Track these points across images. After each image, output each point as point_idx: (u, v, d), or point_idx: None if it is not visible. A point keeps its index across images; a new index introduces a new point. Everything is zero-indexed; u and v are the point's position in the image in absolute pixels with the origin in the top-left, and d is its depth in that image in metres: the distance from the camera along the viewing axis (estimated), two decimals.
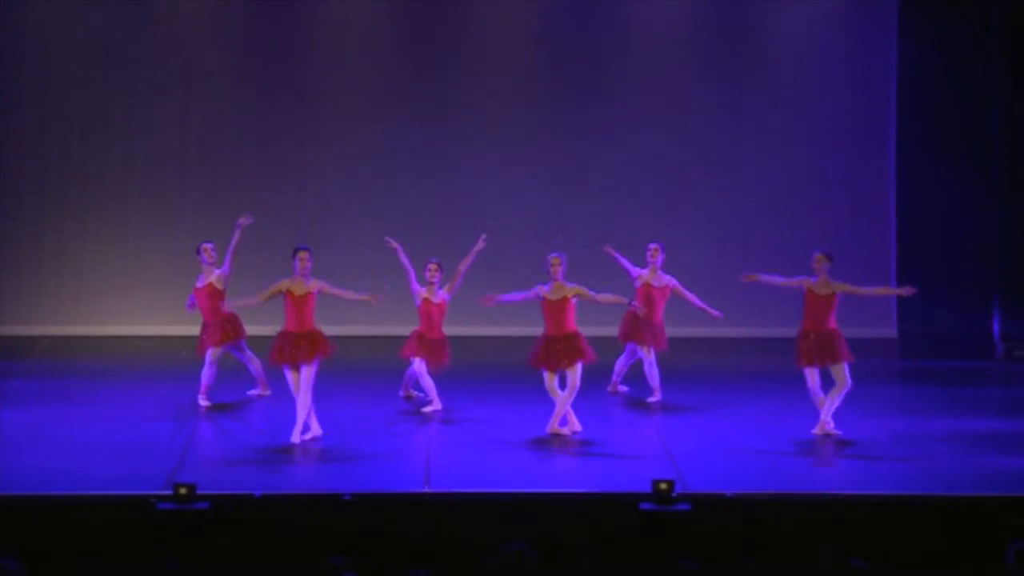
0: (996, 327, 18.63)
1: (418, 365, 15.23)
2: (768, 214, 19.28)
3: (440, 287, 15.30)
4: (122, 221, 19.18)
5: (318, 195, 19.25)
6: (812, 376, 14.28)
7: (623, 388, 16.00)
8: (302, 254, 14.06)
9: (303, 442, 13.83)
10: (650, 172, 19.36)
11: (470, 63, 19.37)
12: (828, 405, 14.22)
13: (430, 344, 15.24)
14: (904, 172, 19.44)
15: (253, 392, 15.64)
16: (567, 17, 19.28)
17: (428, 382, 15.17)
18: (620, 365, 15.96)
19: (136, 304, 19.01)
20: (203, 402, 15.24)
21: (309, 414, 13.94)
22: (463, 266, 15.32)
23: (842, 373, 14.19)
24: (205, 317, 15.34)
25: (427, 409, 15.14)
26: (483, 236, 15.31)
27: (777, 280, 14.42)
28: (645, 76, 19.37)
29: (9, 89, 18.91)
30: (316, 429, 14.02)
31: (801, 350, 14.25)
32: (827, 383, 14.32)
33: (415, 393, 15.58)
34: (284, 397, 14.33)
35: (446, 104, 19.28)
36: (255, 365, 15.51)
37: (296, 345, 13.92)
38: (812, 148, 19.47)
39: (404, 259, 15.35)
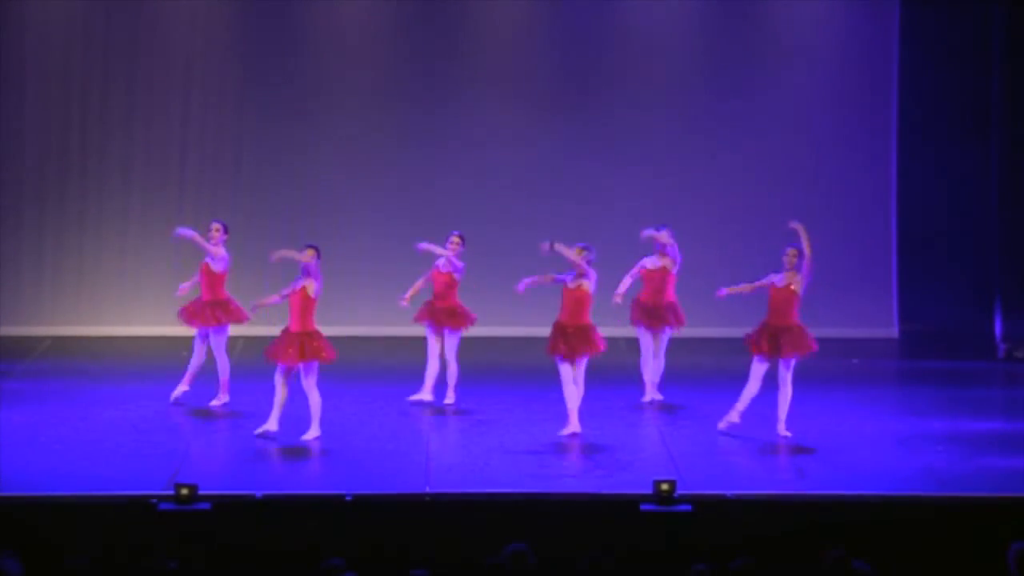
0: (997, 327, 18.61)
1: (451, 344, 15.31)
2: (768, 212, 19.21)
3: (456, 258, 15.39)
4: (122, 221, 19.16)
5: (320, 194, 19.23)
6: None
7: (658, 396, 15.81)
8: (310, 252, 14.16)
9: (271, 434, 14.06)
10: (649, 166, 19.28)
11: (471, 54, 19.32)
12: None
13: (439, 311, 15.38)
14: (905, 172, 19.42)
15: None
16: (569, 7, 19.23)
17: (454, 369, 15.26)
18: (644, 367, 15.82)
19: (137, 304, 18.99)
20: (225, 398, 15.32)
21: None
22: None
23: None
24: (223, 296, 15.37)
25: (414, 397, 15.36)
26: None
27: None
28: (644, 69, 19.30)
29: (9, 89, 18.88)
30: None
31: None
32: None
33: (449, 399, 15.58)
34: (290, 400, 14.31)
35: (448, 99, 19.23)
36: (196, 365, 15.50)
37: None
38: (813, 148, 19.43)
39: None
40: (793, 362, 14.24)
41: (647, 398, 15.58)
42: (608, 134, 19.28)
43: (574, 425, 14.21)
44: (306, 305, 14.07)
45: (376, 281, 18.98)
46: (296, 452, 13.78)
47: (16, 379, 16.55)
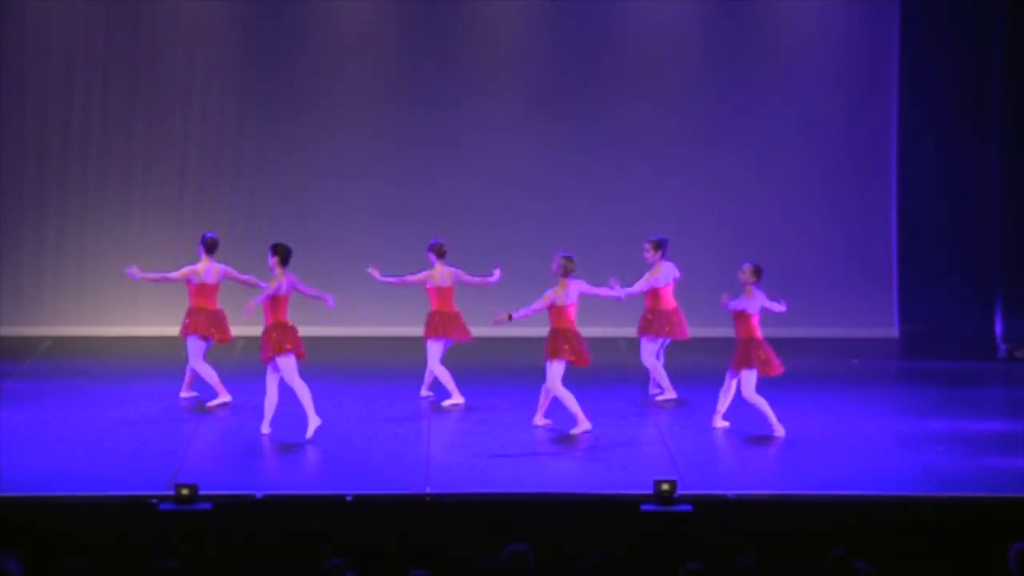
0: (998, 327, 18.60)
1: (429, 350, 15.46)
2: (768, 212, 19.24)
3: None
4: (123, 221, 19.16)
5: (320, 194, 19.23)
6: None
7: (672, 395, 15.90)
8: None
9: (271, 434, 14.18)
10: (649, 166, 19.28)
11: (472, 56, 19.31)
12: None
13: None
14: (905, 172, 19.41)
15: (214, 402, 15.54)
16: (571, 8, 19.22)
17: (441, 374, 15.32)
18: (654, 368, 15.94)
19: (137, 304, 18.99)
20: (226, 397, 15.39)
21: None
22: (466, 279, 15.49)
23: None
24: (214, 307, 15.48)
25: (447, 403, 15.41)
26: (498, 270, 15.48)
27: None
28: (645, 69, 19.29)
29: (10, 89, 18.89)
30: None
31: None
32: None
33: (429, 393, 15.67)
34: (290, 400, 14.32)
35: (449, 100, 19.22)
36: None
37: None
38: (813, 147, 19.42)
39: (394, 279, 15.57)
40: (746, 377, 14.25)
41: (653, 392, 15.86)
42: (609, 135, 19.27)
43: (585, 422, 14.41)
44: (268, 302, 14.16)
45: (376, 282, 18.99)
46: (297, 452, 13.78)
47: (17, 379, 16.56)
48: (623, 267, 16.15)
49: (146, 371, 16.84)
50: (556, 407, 14.53)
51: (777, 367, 14.28)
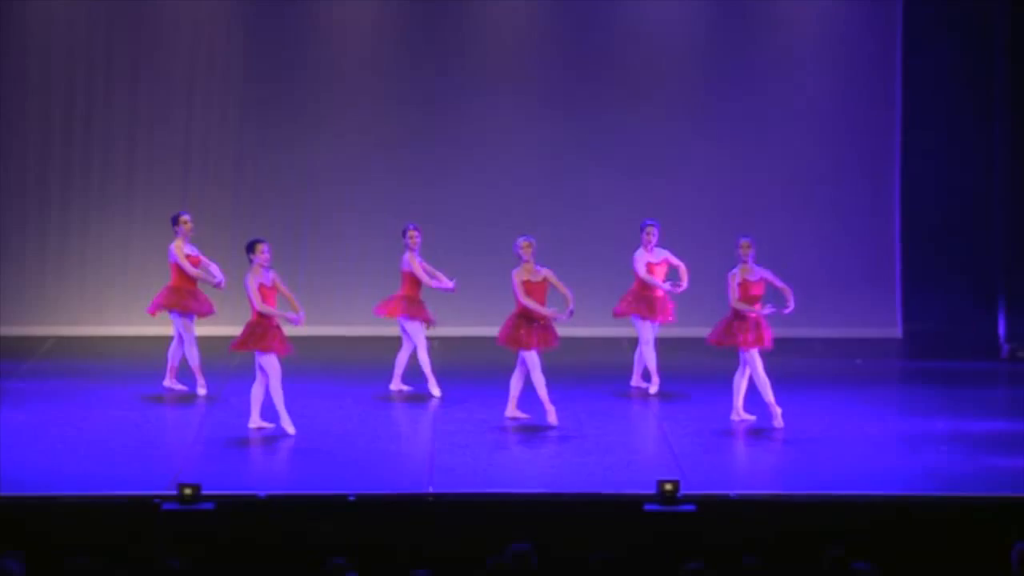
0: (1001, 327, 18.58)
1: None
2: (770, 211, 19.22)
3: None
4: (125, 221, 19.15)
5: (322, 194, 19.22)
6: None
7: (645, 384, 15.93)
8: (260, 246, 14.21)
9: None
10: (652, 164, 19.26)
11: (473, 55, 19.30)
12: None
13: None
14: (909, 171, 19.40)
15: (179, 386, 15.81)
16: (573, 6, 19.20)
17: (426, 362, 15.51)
18: (637, 357, 15.94)
19: (139, 304, 18.90)
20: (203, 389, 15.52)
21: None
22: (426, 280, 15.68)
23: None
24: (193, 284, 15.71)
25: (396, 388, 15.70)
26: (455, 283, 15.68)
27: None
28: (647, 67, 19.25)
29: (12, 89, 18.89)
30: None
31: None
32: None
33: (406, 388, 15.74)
34: (290, 399, 14.31)
35: (449, 99, 19.20)
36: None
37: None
38: (816, 146, 19.41)
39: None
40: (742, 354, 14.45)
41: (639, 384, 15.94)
42: (610, 134, 19.24)
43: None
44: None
45: (377, 281, 18.95)
46: (299, 452, 13.78)
47: (19, 379, 16.55)
48: (623, 266, 16.15)
49: (148, 371, 16.81)
50: (561, 406, 14.50)
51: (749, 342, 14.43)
